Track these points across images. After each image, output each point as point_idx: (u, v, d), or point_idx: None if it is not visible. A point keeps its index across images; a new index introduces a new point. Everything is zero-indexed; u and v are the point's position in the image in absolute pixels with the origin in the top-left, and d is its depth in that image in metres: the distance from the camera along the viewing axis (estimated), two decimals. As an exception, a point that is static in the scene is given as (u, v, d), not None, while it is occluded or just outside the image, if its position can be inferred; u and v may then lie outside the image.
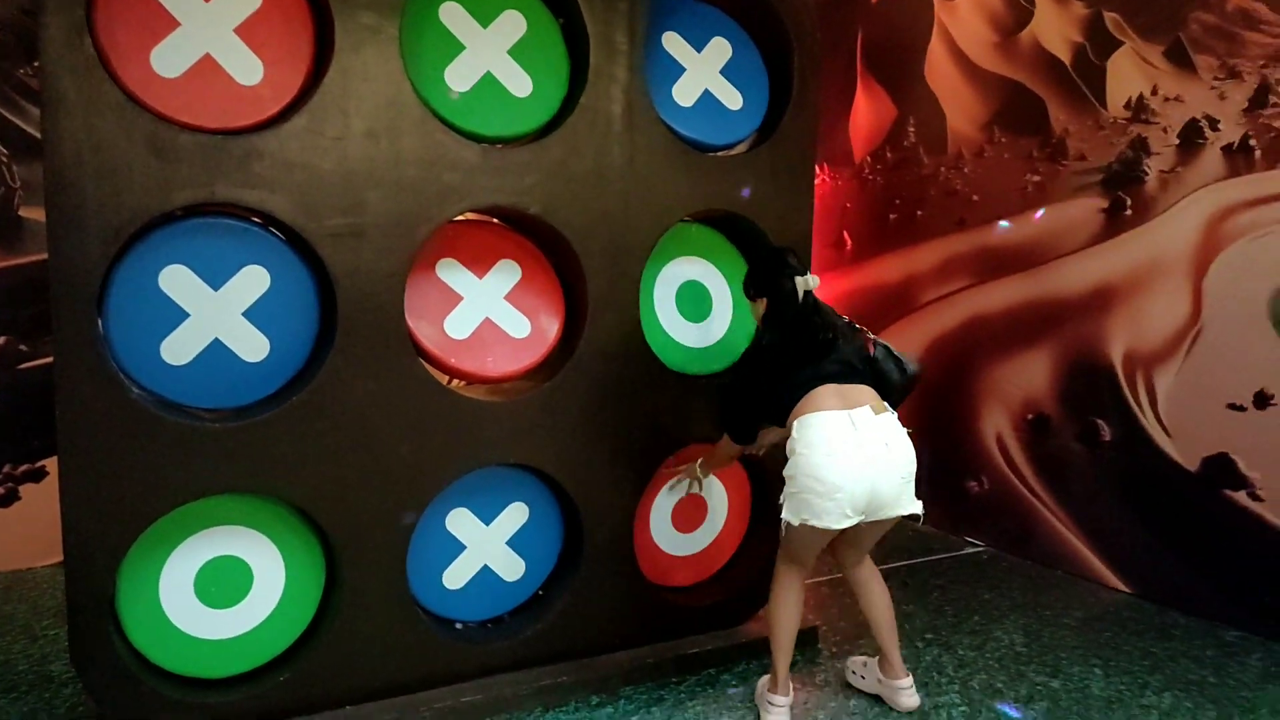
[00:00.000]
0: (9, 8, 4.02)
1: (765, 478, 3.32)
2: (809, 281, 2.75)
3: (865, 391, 2.67)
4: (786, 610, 2.80)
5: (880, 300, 5.19)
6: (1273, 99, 3.46)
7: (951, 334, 4.77)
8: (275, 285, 2.56)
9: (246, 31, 2.50)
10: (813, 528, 2.59)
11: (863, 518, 2.59)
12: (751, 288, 2.88)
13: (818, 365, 2.67)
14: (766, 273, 2.83)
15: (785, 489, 2.65)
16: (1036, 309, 4.33)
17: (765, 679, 2.92)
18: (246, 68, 2.50)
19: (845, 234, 5.42)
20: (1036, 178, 4.33)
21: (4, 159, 4.03)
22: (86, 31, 2.27)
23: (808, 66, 3.27)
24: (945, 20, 4.83)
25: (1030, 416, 4.36)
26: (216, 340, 2.51)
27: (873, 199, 5.28)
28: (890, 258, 5.16)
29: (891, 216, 5.13)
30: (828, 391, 2.63)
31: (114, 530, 2.40)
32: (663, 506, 3.29)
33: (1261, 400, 3.47)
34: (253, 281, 2.54)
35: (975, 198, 4.65)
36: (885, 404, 2.69)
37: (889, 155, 5.17)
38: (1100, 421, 4.04)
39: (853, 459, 2.53)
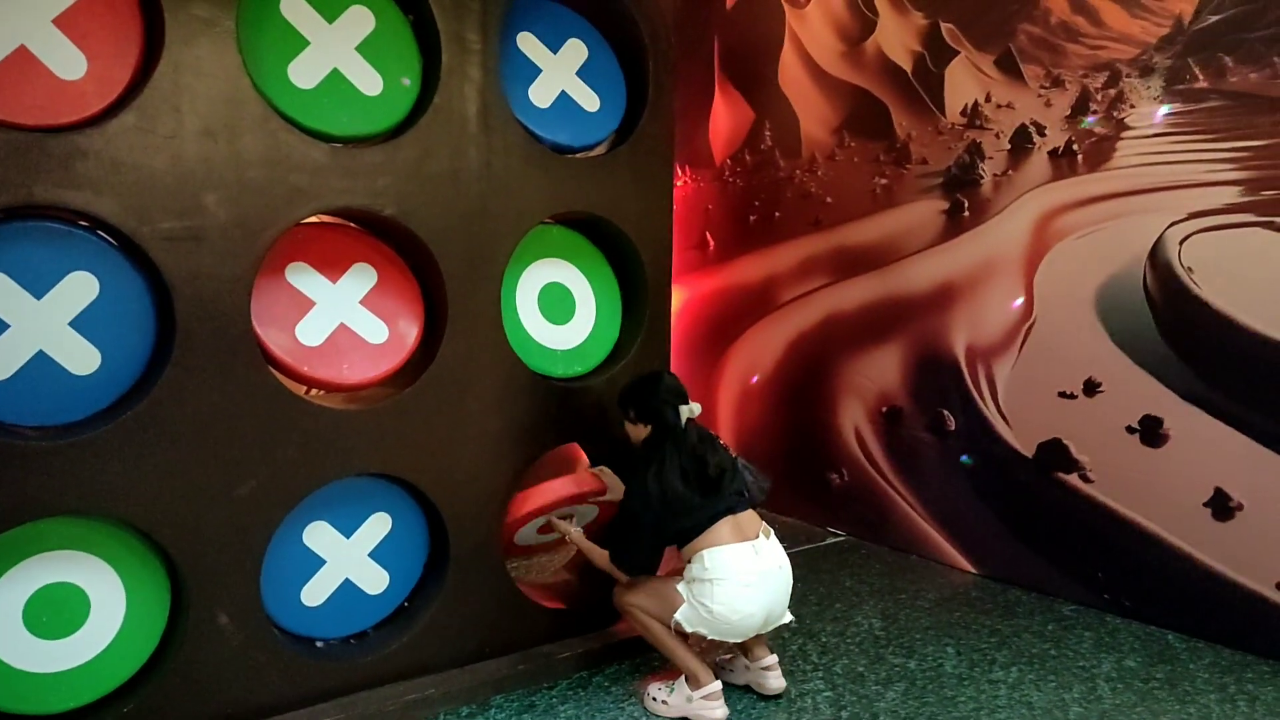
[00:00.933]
0: None
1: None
2: (692, 409, 2.88)
3: (754, 518, 2.87)
4: (660, 627, 2.86)
5: (743, 300, 5.31)
6: (1093, 106, 3.73)
7: (810, 332, 4.92)
8: (105, 293, 2.41)
9: (67, 22, 2.34)
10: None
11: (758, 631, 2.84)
12: (632, 410, 2.93)
13: (715, 499, 2.80)
14: (648, 401, 2.89)
15: (689, 600, 2.76)
16: (887, 306, 4.51)
17: (661, 689, 2.92)
18: (67, 61, 2.34)
19: (708, 235, 5.52)
20: (884, 181, 4.52)
21: None
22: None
23: (662, 70, 3.31)
24: (796, 28, 4.98)
25: (885, 409, 4.55)
26: (41, 352, 2.34)
27: (733, 201, 5.39)
28: (751, 258, 5.28)
29: (752, 218, 5.26)
30: (727, 525, 2.78)
31: (-75, 562, 2.21)
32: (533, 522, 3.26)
33: (1090, 388, 3.72)
34: (79, 289, 2.38)
35: (829, 199, 4.82)
36: (765, 525, 2.88)
37: (748, 158, 5.29)
38: (946, 412, 4.25)
39: (759, 588, 2.76)
